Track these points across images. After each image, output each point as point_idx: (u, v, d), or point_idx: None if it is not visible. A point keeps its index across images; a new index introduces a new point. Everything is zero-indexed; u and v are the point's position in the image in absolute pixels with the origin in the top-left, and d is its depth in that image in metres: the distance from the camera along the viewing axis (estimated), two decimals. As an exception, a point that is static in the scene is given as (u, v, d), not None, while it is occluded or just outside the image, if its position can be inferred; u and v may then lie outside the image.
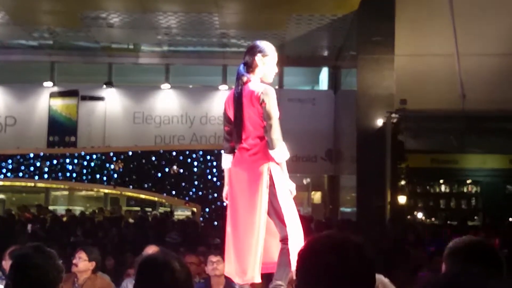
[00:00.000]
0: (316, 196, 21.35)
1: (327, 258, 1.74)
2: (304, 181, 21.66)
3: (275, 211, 4.05)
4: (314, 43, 18.50)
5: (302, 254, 1.82)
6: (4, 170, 16.91)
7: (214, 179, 16.52)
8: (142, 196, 17.51)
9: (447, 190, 14.96)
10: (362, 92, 14.37)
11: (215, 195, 16.34)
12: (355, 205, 14.66)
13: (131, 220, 15.85)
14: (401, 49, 14.25)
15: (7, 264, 5.59)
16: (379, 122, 14.00)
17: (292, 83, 20.66)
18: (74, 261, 5.81)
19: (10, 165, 16.92)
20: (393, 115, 13.52)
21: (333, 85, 19.92)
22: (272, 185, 4.08)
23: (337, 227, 12.22)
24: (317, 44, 18.90)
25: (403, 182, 13.49)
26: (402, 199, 13.37)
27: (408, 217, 13.90)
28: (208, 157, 16.74)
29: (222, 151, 4.37)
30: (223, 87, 19.81)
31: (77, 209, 18.51)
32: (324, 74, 21.03)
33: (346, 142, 17.25)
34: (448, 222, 14.06)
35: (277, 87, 19.99)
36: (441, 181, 14.91)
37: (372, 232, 11.03)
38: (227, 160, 4.28)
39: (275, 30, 17.08)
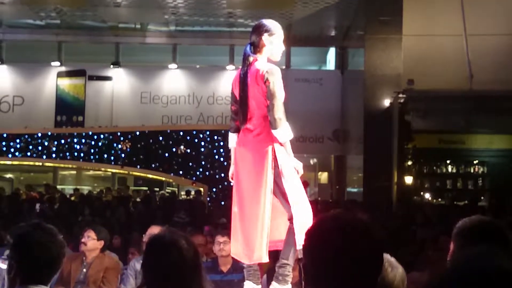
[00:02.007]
0: (323, 177, 21.38)
1: (335, 239, 1.76)
2: (311, 162, 21.69)
3: (280, 191, 4.06)
4: (321, 23, 18.41)
5: (309, 234, 1.84)
6: (12, 150, 17.00)
7: (221, 159, 16.57)
8: (150, 176, 17.59)
9: (454, 171, 14.94)
10: (370, 72, 14.33)
11: (222, 175, 16.39)
12: (362, 185, 14.69)
13: (138, 200, 15.94)
14: (409, 29, 14.17)
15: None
16: (386, 102, 13.98)
17: (299, 63, 20.59)
18: (82, 240, 5.86)
19: (18, 145, 17.00)
20: (400, 95, 13.49)
21: (340, 65, 19.85)
22: (276, 166, 4.06)
23: (344, 207, 12.23)
24: (325, 24, 18.81)
25: (410, 163, 13.50)
26: (408, 180, 13.38)
27: (415, 197, 13.92)
28: (215, 137, 16.77)
29: (229, 130, 4.37)
30: (230, 67, 19.77)
31: (85, 189, 18.61)
32: (331, 54, 20.96)
33: (353, 123, 17.24)
34: (455, 202, 14.06)
35: (284, 67, 19.93)
36: (448, 161, 14.89)
37: (379, 212, 11.05)
38: (233, 139, 4.29)
39: (282, 10, 16.99)
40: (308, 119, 18.41)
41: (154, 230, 4.91)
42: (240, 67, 4.27)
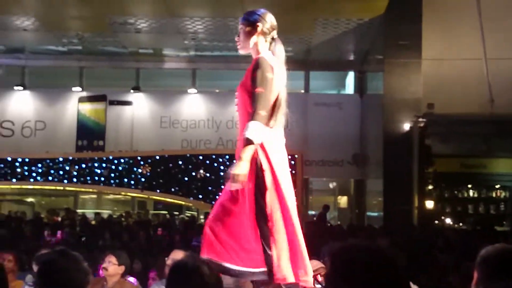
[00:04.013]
0: (343, 201, 21.29)
1: (360, 271, 1.75)
2: (331, 185, 21.63)
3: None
4: (340, 47, 18.47)
5: (333, 264, 1.84)
6: (34, 174, 17.16)
7: (240, 183, 16.55)
8: (169, 200, 17.62)
9: (476, 195, 14.82)
10: (389, 96, 14.32)
11: (242, 199, 16.39)
12: (382, 209, 14.60)
13: (158, 224, 15.96)
14: (429, 53, 14.18)
15: (36, 267, 5.69)
16: (406, 126, 13.94)
17: (318, 87, 20.64)
18: (103, 265, 5.88)
19: (40, 169, 17.16)
20: (420, 119, 13.45)
21: (359, 89, 19.85)
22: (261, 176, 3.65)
23: (364, 233, 12.17)
24: (343, 48, 18.87)
25: (430, 187, 13.41)
26: (429, 204, 13.28)
27: (436, 222, 13.80)
28: (234, 162, 16.76)
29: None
30: (250, 92, 19.83)
31: (105, 213, 18.70)
32: (350, 78, 20.98)
33: (372, 146, 17.19)
34: (477, 227, 13.93)
35: (303, 91, 20.01)
36: (470, 185, 14.77)
37: (399, 236, 10.97)
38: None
39: (301, 34, 17.08)
40: (327, 143, 18.40)
41: (177, 254, 4.93)
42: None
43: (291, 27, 16.44)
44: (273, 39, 4.03)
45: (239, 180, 3.56)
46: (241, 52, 4.08)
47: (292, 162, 16.59)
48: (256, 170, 3.66)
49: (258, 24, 3.96)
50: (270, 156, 3.69)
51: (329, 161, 18.84)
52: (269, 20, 4.02)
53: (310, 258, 3.99)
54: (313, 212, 19.27)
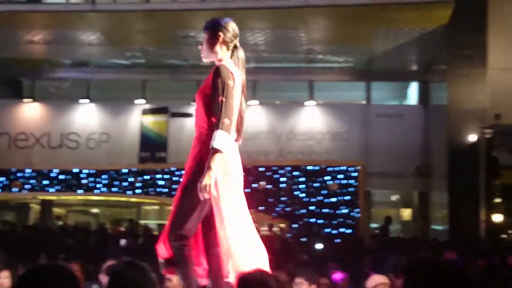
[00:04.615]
0: (406, 213, 20.89)
1: (436, 285, 1.68)
2: (393, 198, 21.27)
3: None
4: (402, 57, 18.21)
5: (409, 279, 1.77)
6: (98, 185, 17.51)
7: (302, 195, 16.48)
8: (230, 211, 17.66)
9: (546, 208, 14.29)
10: (453, 107, 14.03)
11: (303, 211, 16.30)
12: (447, 222, 14.26)
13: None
14: (495, 63, 13.82)
15: (103, 278, 5.76)
16: (472, 137, 13.60)
17: (379, 98, 20.39)
18: (167, 276, 5.90)
19: (105, 180, 17.50)
20: (487, 130, 13.10)
21: (422, 99, 19.51)
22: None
23: (429, 247, 11.90)
24: (406, 58, 18.59)
25: (498, 200, 13.03)
26: (497, 217, 12.89)
27: (504, 236, 13.38)
28: (296, 173, 16.72)
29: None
30: (310, 103, 19.78)
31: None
32: (412, 88, 20.65)
33: (437, 158, 16.84)
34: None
35: (364, 102, 19.80)
36: (539, 198, 14.28)
37: (466, 251, 10.67)
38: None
39: (362, 45, 16.94)
40: (389, 154, 18.12)
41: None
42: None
43: (352, 38, 16.34)
44: (235, 47, 4.11)
45: (207, 190, 3.66)
46: (204, 60, 4.16)
47: (354, 174, 16.41)
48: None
49: (220, 33, 4.06)
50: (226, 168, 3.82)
51: (391, 173, 18.54)
52: (231, 29, 4.11)
53: (373, 272, 4.00)
54: (375, 225, 18.99)
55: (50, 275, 2.24)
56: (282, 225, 16.49)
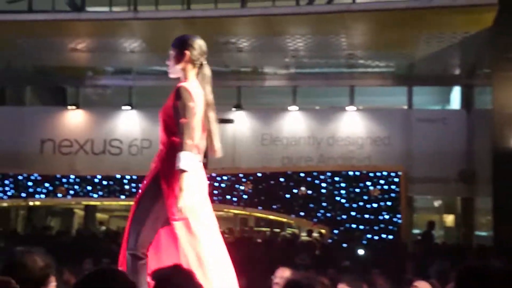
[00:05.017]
0: (449, 219, 20.60)
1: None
2: (435, 204, 21.01)
3: None
4: (445, 61, 17.99)
5: (459, 285, 1.74)
6: (141, 191, 17.67)
7: (343, 200, 16.39)
8: (271, 216, 17.68)
9: None
10: (498, 111, 13.80)
11: (344, 216, 16.21)
12: (491, 228, 14.01)
13: (259, 241, 16.04)
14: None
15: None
16: (517, 142, 13.35)
17: (421, 102, 20.17)
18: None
19: (147, 186, 17.66)
20: (533, 134, 12.84)
21: (465, 104, 19.23)
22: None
23: (474, 253, 11.70)
24: (448, 62, 18.37)
25: (545, 206, 12.74)
26: (544, 224, 12.60)
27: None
28: (336, 179, 16.64)
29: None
30: (351, 108, 19.69)
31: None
32: (455, 92, 20.37)
33: (481, 163, 16.57)
34: None
35: (405, 107, 19.61)
36: None
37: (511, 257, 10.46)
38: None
39: (404, 50, 16.79)
40: (432, 159, 17.92)
41: (284, 272, 4.92)
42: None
43: (393, 43, 16.22)
44: (202, 64, 4.26)
45: (184, 211, 3.89)
46: (171, 76, 4.32)
47: (395, 179, 16.26)
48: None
49: (186, 51, 4.21)
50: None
51: (434, 178, 18.31)
52: (198, 46, 4.26)
53: (416, 278, 4.01)
54: (417, 231, 18.76)
55: (110, 279, 2.32)
56: (323, 231, 16.41)
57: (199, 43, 4.27)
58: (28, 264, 2.77)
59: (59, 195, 18.16)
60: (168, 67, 4.32)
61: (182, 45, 4.25)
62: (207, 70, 4.27)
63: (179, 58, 4.21)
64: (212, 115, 4.26)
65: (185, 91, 4.04)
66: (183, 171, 3.90)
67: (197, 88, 4.15)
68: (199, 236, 4.01)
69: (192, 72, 4.23)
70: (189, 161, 3.94)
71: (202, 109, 4.15)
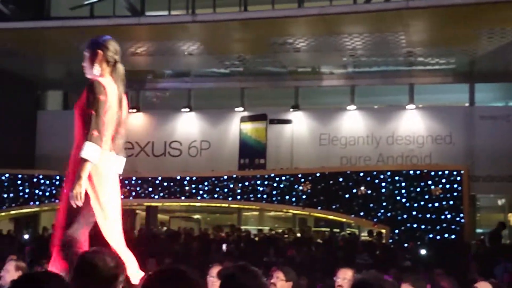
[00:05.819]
0: (514, 218, 20.05)
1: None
2: (499, 202, 20.49)
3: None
4: (507, 57, 17.52)
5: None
6: (200, 192, 17.89)
7: (403, 200, 16.16)
8: (330, 216, 17.59)
9: None
10: None
11: (405, 216, 15.99)
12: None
13: (319, 241, 15.99)
14: None
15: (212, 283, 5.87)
16: None
17: (484, 99, 19.72)
18: (272, 281, 5.95)
19: (206, 187, 17.87)
20: None
21: (530, 100, 18.72)
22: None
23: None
24: (511, 57, 17.88)
25: None
26: None
27: None
28: (396, 178, 16.42)
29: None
30: (410, 107, 19.42)
31: (266, 229, 19.04)
32: (519, 89, 19.84)
33: (546, 161, 16.09)
34: None
35: (467, 104, 19.21)
36: None
37: None
38: None
39: (465, 46, 16.46)
40: (495, 157, 17.52)
41: (347, 273, 4.91)
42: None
43: (454, 39, 15.92)
44: (115, 62, 4.39)
45: (78, 198, 4.00)
46: (87, 76, 4.39)
47: (458, 178, 15.94)
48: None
49: (99, 51, 4.35)
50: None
51: (498, 177, 17.90)
52: (111, 46, 4.41)
53: (480, 279, 3.90)
54: (481, 231, 18.34)
55: (178, 278, 2.37)
56: (384, 231, 16.23)
57: (112, 43, 4.46)
58: (99, 264, 2.86)
59: (121, 196, 18.49)
60: (84, 68, 4.46)
61: (95, 46, 4.40)
62: (120, 68, 4.43)
63: (93, 58, 4.37)
64: (124, 112, 4.39)
65: (99, 84, 4.18)
66: (85, 160, 4.03)
67: (111, 85, 4.30)
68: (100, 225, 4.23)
69: (106, 70, 4.38)
70: (93, 152, 4.05)
71: (116, 105, 4.27)
